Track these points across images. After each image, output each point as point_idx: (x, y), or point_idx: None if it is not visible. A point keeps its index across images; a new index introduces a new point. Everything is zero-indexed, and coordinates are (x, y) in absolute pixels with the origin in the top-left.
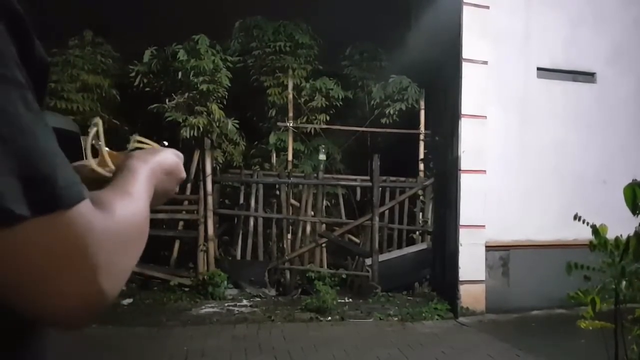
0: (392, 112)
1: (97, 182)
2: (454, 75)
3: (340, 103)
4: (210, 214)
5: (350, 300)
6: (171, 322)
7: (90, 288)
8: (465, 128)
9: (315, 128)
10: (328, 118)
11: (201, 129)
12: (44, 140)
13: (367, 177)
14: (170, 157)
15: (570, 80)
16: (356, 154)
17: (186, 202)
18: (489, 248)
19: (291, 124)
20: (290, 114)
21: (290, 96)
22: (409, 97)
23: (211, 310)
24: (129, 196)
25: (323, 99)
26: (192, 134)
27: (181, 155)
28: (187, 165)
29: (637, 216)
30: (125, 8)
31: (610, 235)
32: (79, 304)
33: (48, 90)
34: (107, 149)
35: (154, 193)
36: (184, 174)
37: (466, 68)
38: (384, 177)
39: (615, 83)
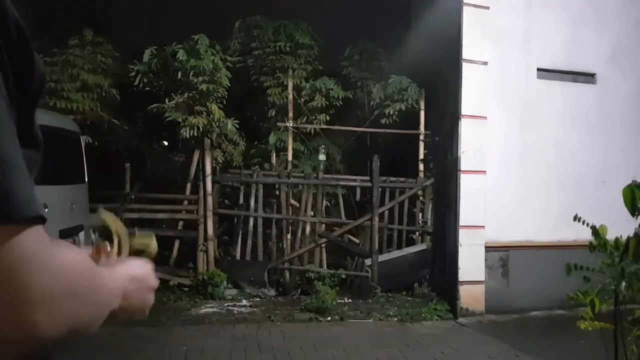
0: (392, 112)
1: None
2: (454, 75)
3: (340, 103)
4: (210, 214)
5: (350, 300)
6: (171, 321)
7: (21, 318)
8: (465, 128)
9: (315, 128)
10: (328, 118)
11: (201, 128)
12: (9, 153)
13: (367, 178)
14: (137, 270)
15: (570, 81)
16: (356, 154)
17: (186, 202)
18: (489, 248)
19: (291, 124)
20: (290, 114)
21: (290, 96)
22: (408, 98)
23: (211, 310)
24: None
25: (323, 99)
26: (191, 133)
27: (149, 266)
28: (187, 165)
29: (636, 217)
30: (126, 7)
31: (610, 236)
32: (8, 333)
33: (40, 100)
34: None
35: (129, 305)
36: (155, 282)
37: (466, 68)
38: (384, 178)
39: (615, 84)
